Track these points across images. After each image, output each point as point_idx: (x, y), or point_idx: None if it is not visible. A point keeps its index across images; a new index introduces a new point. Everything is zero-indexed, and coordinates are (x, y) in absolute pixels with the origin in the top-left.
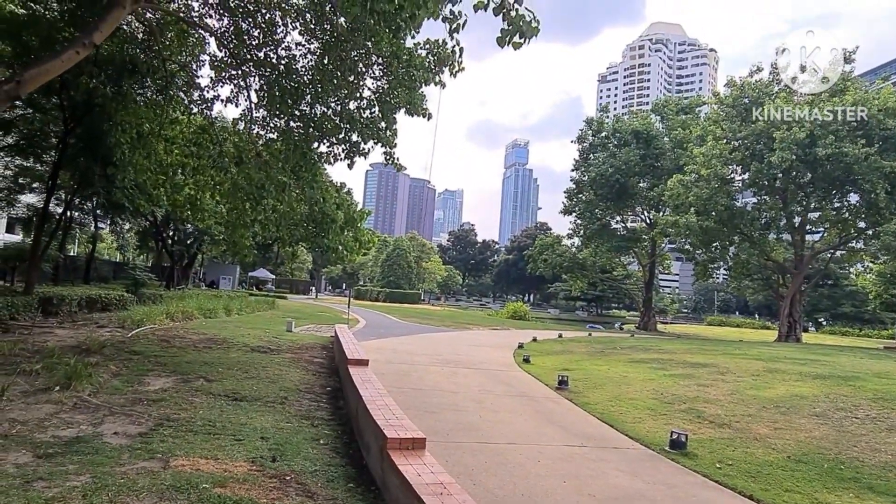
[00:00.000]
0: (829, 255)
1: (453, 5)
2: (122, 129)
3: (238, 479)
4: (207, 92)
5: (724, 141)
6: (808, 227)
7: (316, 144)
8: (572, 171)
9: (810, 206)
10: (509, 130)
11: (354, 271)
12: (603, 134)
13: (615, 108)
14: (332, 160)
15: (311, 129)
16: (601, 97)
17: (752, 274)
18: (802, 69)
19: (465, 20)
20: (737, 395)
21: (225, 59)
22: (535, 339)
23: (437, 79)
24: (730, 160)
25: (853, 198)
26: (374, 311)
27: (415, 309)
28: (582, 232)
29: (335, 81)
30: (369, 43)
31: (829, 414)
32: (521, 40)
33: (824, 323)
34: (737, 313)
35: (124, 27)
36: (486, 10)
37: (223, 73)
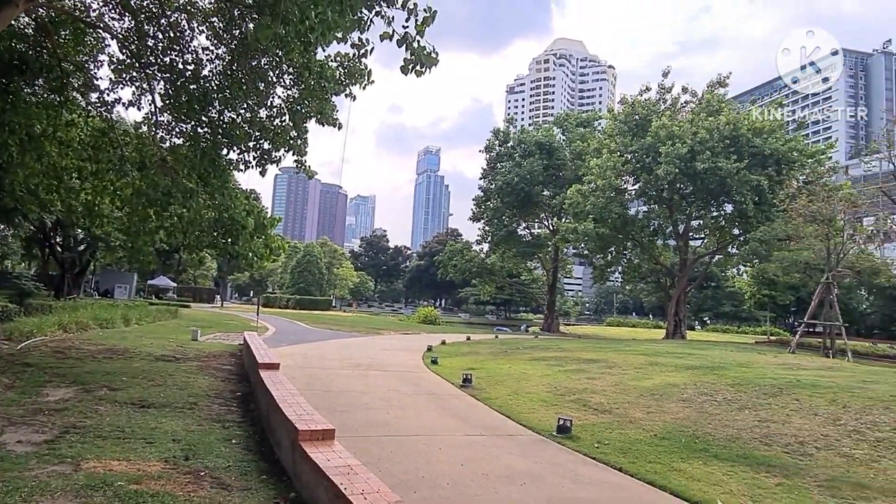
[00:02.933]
0: (709, 259)
1: (361, 33)
2: (10, 130)
3: (153, 476)
4: (107, 94)
5: (618, 154)
6: (690, 234)
7: (225, 151)
8: (481, 179)
9: (692, 215)
10: (422, 136)
11: (263, 278)
12: (509, 144)
13: (522, 119)
14: (242, 167)
15: (219, 136)
16: (510, 107)
17: (645, 277)
18: (684, 90)
19: (373, 47)
20: (620, 385)
21: (127, 60)
22: (444, 343)
23: (347, 90)
24: (623, 172)
25: (728, 207)
26: (283, 318)
27: (326, 315)
28: (490, 238)
29: (244, 88)
30: (280, 52)
31: (693, 398)
32: (423, 69)
33: (708, 321)
34: (633, 314)
35: (12, 22)
36: (391, 40)
37: (124, 75)
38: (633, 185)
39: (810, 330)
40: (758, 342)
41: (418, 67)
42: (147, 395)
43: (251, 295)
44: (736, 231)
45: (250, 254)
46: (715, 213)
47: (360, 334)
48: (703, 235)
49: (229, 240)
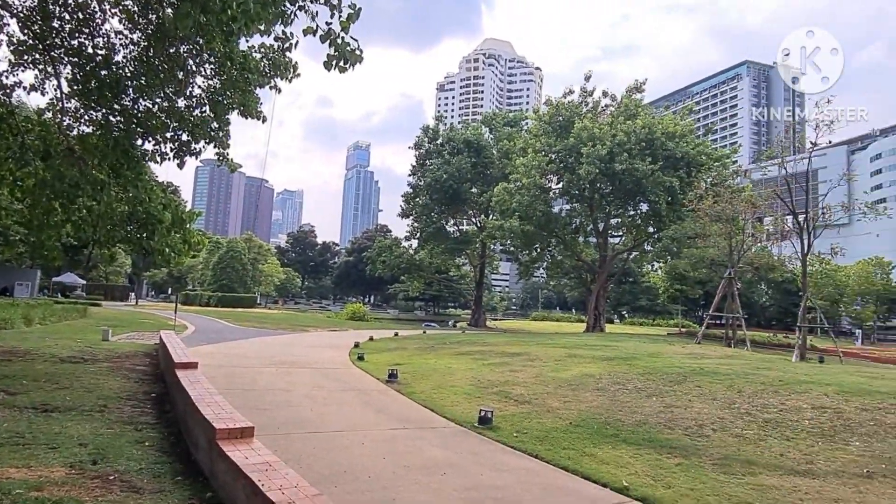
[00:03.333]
0: (626, 256)
1: (285, 26)
2: None
3: (56, 482)
4: (6, 77)
5: (543, 153)
6: (610, 232)
7: (140, 141)
8: (410, 175)
9: (611, 213)
10: (352, 131)
11: (182, 275)
12: (439, 141)
13: (452, 117)
14: (158, 159)
15: (133, 125)
16: (440, 105)
17: (568, 273)
18: (605, 94)
19: (297, 41)
20: (540, 377)
21: (28, 41)
22: (371, 339)
23: (272, 83)
24: (547, 171)
25: (644, 207)
26: (205, 316)
27: (250, 313)
28: (419, 234)
29: (161, 77)
30: (200, 41)
31: (607, 388)
32: (347, 66)
33: (626, 315)
34: (557, 309)
35: None
36: (314, 35)
37: (25, 57)
38: (556, 183)
39: (715, 322)
40: (669, 334)
41: (342, 64)
42: (50, 398)
43: (169, 292)
44: (651, 229)
45: (167, 249)
46: (632, 212)
47: (285, 332)
48: (621, 233)
49: (144, 235)
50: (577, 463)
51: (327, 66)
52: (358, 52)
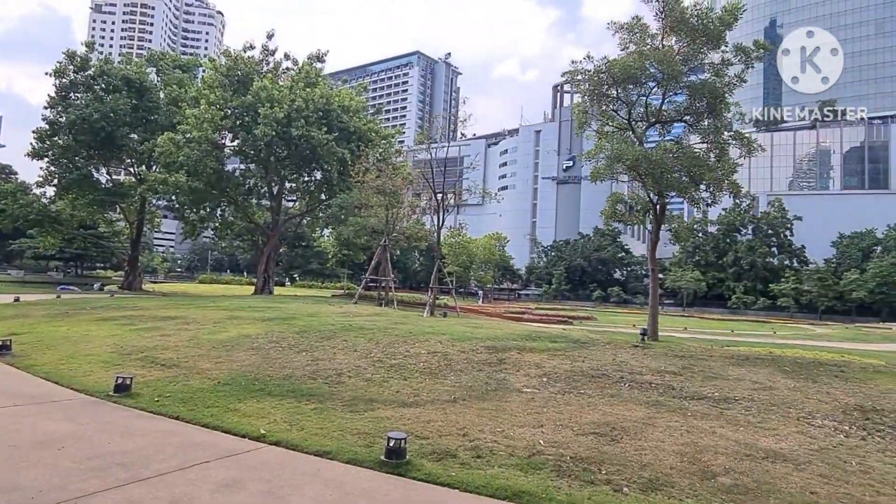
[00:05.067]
0: (299, 221)
1: None
2: None
3: None
4: None
5: (218, 107)
6: (284, 195)
7: None
8: (47, 108)
9: (287, 178)
10: None
11: None
12: (89, 73)
13: (111, 47)
14: None
15: None
16: (95, 29)
17: (241, 235)
18: (287, 57)
19: None
20: (194, 340)
21: None
22: None
23: None
24: (221, 126)
25: (318, 175)
26: None
27: None
28: (57, 181)
29: None
30: None
31: (262, 346)
32: None
33: (297, 278)
34: (228, 271)
35: None
36: None
37: None
38: (231, 141)
39: (373, 284)
40: (334, 295)
41: None
42: None
43: None
44: (323, 196)
45: None
46: (307, 178)
47: None
48: (295, 198)
49: None
50: (218, 419)
51: None
52: None
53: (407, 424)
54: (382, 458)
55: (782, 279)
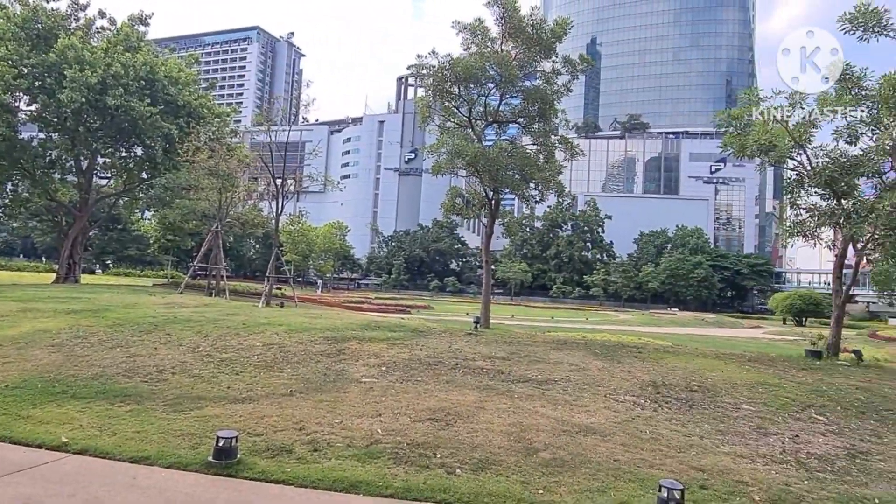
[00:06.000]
0: (114, 201)
1: None
2: None
3: None
4: None
5: (11, 64)
6: (96, 171)
7: None
8: None
9: (99, 151)
10: None
11: None
12: None
13: None
14: None
15: None
16: None
17: (39, 214)
18: (102, 14)
19: None
20: None
21: None
22: None
23: None
24: (14, 86)
25: (139, 150)
26: None
27: None
28: None
29: None
30: None
31: (65, 343)
32: None
33: (111, 264)
34: (21, 256)
35: None
36: None
37: None
38: (28, 105)
39: (202, 273)
40: (155, 284)
41: None
42: None
43: None
44: (145, 175)
45: None
46: (125, 154)
47: None
48: (109, 175)
49: None
50: (7, 428)
51: None
52: None
53: (239, 422)
54: (210, 459)
55: (595, 271)
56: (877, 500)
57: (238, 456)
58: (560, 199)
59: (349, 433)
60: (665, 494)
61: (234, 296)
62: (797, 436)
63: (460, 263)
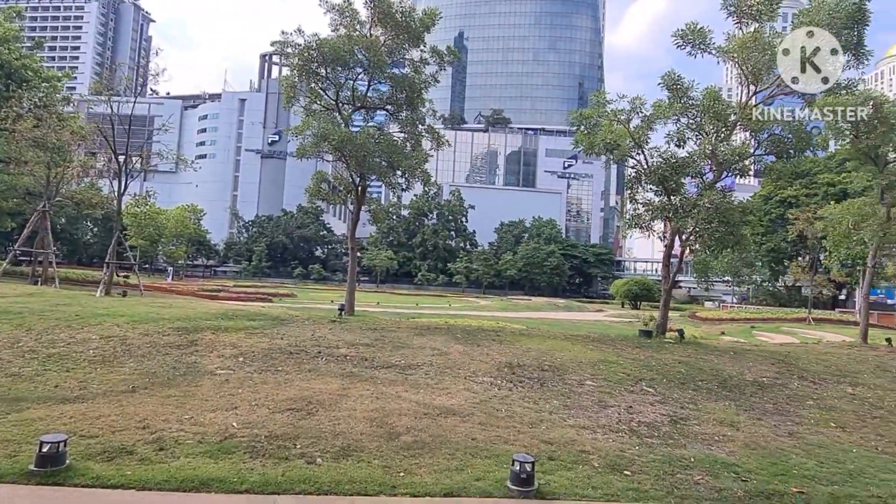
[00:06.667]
0: None
1: None
2: None
3: None
4: None
5: None
6: None
7: None
8: None
9: None
10: None
11: None
12: None
13: None
14: None
15: None
16: None
17: None
18: None
19: None
20: None
21: None
22: None
23: None
24: None
25: None
26: None
27: None
28: None
29: None
30: None
31: None
32: None
33: None
34: None
35: None
36: None
37: None
38: None
39: (26, 259)
40: None
41: None
42: None
43: None
44: None
45: None
46: None
47: None
48: None
49: None
50: None
51: None
52: None
53: (69, 424)
54: (32, 467)
55: (458, 259)
56: (692, 459)
57: (67, 462)
58: (426, 189)
59: (200, 429)
60: (517, 468)
61: (67, 284)
62: (631, 406)
63: (326, 250)
